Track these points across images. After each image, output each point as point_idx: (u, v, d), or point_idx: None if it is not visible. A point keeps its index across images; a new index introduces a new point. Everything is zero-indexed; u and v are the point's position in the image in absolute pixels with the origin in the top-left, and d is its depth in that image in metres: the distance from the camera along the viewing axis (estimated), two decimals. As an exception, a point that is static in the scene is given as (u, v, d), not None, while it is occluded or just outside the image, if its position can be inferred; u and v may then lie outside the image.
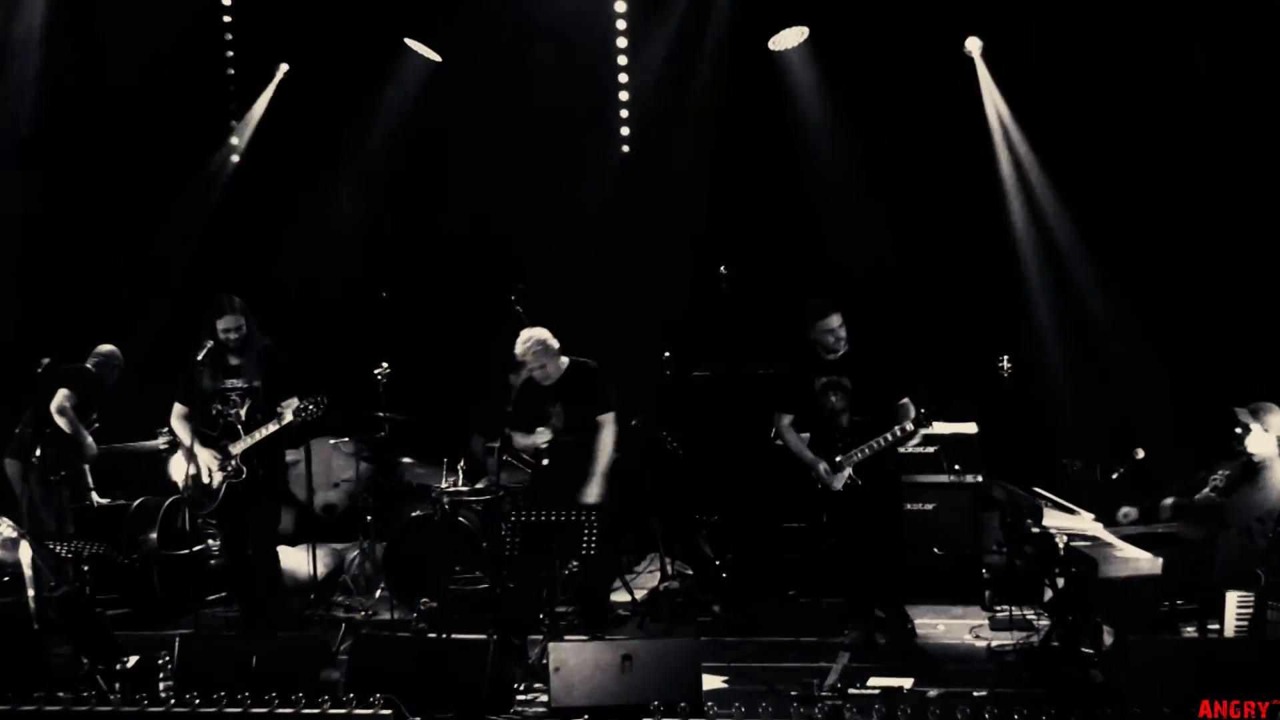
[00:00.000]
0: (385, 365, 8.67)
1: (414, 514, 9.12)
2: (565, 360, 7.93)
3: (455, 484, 9.14)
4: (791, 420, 8.06)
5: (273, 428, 7.55)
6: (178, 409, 7.72)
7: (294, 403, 7.58)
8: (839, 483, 7.88)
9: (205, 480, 7.71)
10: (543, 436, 7.85)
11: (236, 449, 7.62)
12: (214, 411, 7.68)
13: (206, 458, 7.56)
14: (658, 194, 10.34)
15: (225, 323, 7.61)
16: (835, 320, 7.87)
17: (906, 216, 9.86)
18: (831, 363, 7.91)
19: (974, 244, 9.86)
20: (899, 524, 8.14)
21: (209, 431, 7.75)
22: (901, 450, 8.15)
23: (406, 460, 9.61)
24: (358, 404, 8.73)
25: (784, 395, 8.08)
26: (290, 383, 7.73)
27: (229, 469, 7.60)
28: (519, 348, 7.90)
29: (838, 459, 7.90)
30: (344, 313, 9.80)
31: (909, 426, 7.70)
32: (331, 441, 9.91)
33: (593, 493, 7.81)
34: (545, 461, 7.87)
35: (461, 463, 9.25)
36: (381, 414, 8.93)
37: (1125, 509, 7.64)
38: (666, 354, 9.19)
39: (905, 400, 7.78)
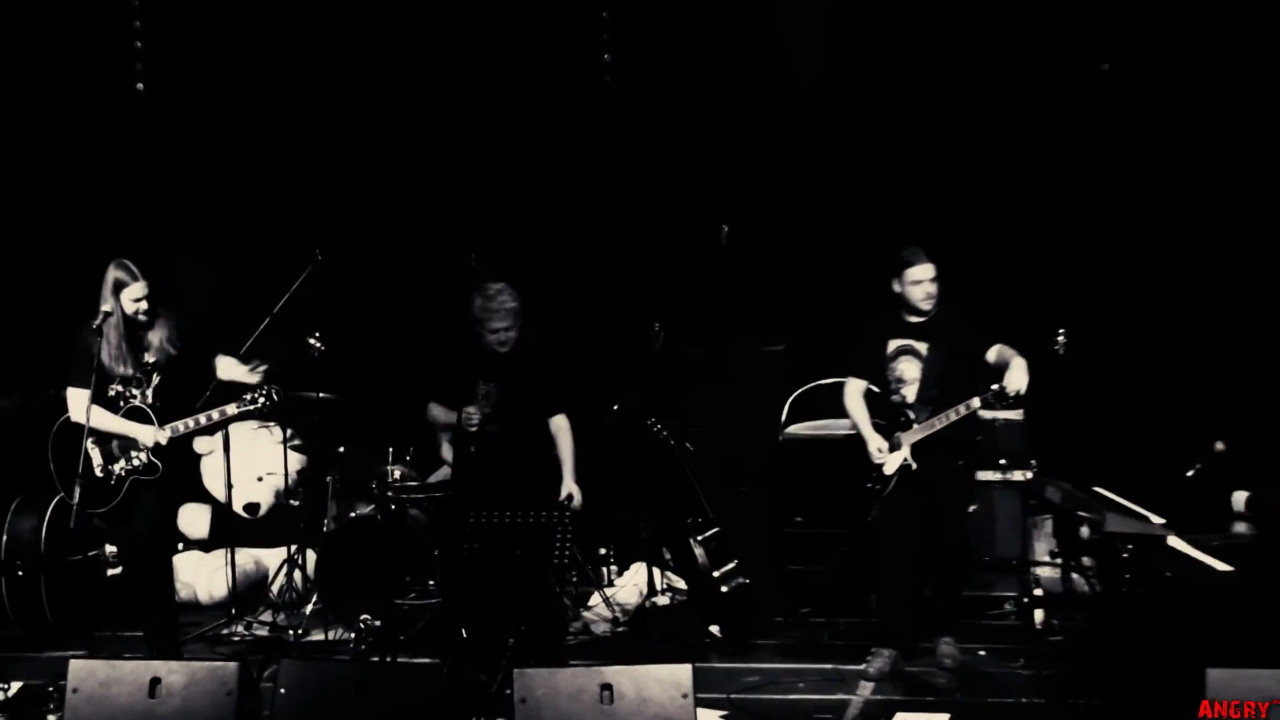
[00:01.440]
0: (319, 336, 8.64)
1: (354, 513, 9.09)
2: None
3: (404, 477, 9.05)
4: (864, 390, 8.03)
5: (218, 416, 7.50)
6: (79, 395, 7.41)
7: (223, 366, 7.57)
8: (892, 465, 7.80)
9: (99, 473, 7.54)
10: (473, 418, 7.84)
11: (156, 438, 7.48)
12: (113, 393, 7.51)
13: (147, 434, 7.42)
14: (646, 134, 10.21)
15: (135, 292, 7.41)
16: (926, 272, 7.78)
17: (944, 167, 9.87)
18: (913, 325, 7.86)
19: (1026, 196, 9.85)
20: (961, 528, 8.03)
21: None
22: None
23: (344, 449, 9.41)
24: (287, 382, 8.53)
25: (858, 357, 8.04)
26: (204, 354, 7.73)
27: (138, 462, 7.48)
28: (489, 301, 7.87)
29: (896, 435, 7.83)
30: (272, 274, 9.54)
31: (975, 403, 7.60)
32: (255, 427, 9.73)
33: (573, 490, 7.95)
34: (472, 449, 7.88)
35: (409, 453, 9.16)
36: (315, 394, 8.85)
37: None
38: (656, 326, 8.95)
39: (995, 350, 7.65)
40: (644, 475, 9.03)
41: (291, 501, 9.61)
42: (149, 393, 7.54)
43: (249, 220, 10.39)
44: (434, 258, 10.36)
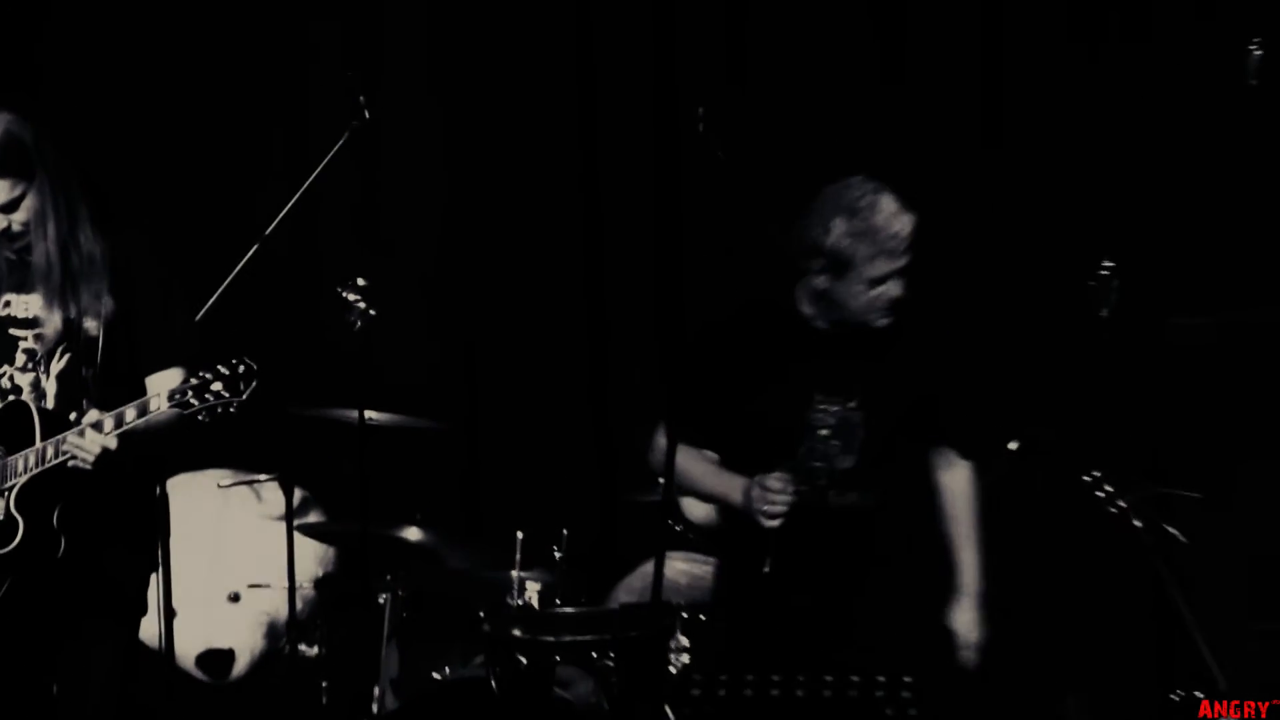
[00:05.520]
0: (362, 285, 8.21)
1: (440, 674, 8.45)
2: None
3: (546, 596, 8.48)
4: None
5: (134, 415, 6.73)
6: None
7: (171, 377, 6.92)
8: None
9: None
10: (777, 502, 6.98)
11: (100, 442, 6.73)
12: None
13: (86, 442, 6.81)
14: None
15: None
16: None
17: None
18: None
19: None
20: None
21: None
22: None
23: (418, 534, 8.68)
24: (300, 381, 8.65)
25: None
26: (174, 322, 7.08)
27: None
28: (861, 214, 7.02)
29: None
30: (267, 154, 9.71)
31: None
32: (225, 483, 9.27)
33: (969, 633, 7.29)
34: (765, 566, 7.09)
35: (564, 543, 8.55)
36: (356, 408, 8.31)
37: None
38: (1105, 268, 8.07)
39: None
40: (1073, 588, 8.88)
41: (302, 648, 8.90)
42: (46, 381, 7.01)
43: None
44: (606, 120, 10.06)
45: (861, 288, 6.94)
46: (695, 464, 7.29)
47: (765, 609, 7.19)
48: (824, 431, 7.09)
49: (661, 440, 7.38)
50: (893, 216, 7.00)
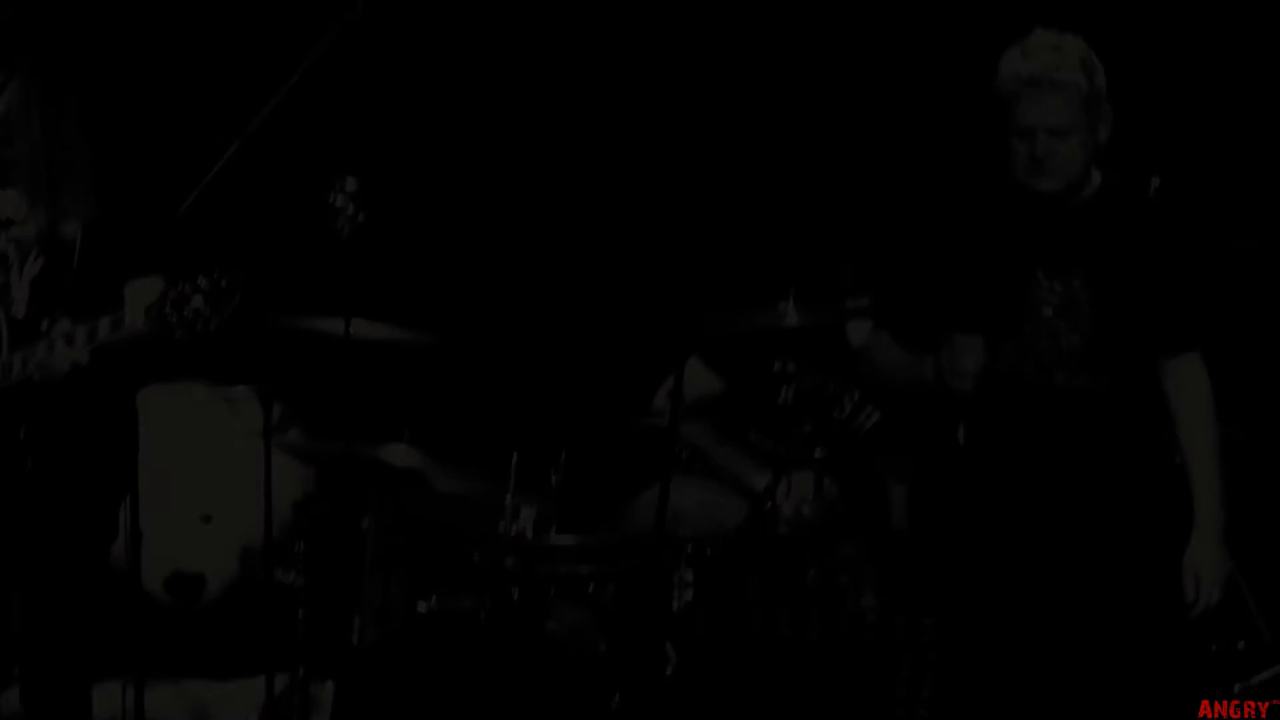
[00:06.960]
0: (351, 189, 7.85)
1: (425, 605, 8.32)
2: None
3: (542, 525, 8.30)
4: None
5: (98, 333, 6.80)
6: None
7: (150, 285, 6.92)
8: None
9: None
10: (967, 366, 7.01)
11: (70, 358, 6.88)
12: None
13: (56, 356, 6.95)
14: None
15: None
16: None
17: None
18: None
19: None
20: None
21: None
22: None
23: (405, 455, 8.60)
24: (282, 289, 8.34)
25: None
26: (154, 224, 7.40)
27: None
28: (1025, 61, 6.86)
29: None
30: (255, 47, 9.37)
31: None
32: (200, 396, 9.28)
33: (1203, 570, 6.95)
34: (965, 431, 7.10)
35: (559, 467, 8.48)
36: (342, 323, 8.01)
37: None
38: (1154, 188, 7.80)
39: None
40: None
41: (279, 574, 8.80)
42: (21, 276, 7.10)
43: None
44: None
45: (1016, 140, 6.78)
46: (889, 352, 7.23)
47: (964, 484, 7.05)
48: (1047, 310, 6.97)
49: (882, 336, 7.34)
50: (1043, 52, 6.80)
